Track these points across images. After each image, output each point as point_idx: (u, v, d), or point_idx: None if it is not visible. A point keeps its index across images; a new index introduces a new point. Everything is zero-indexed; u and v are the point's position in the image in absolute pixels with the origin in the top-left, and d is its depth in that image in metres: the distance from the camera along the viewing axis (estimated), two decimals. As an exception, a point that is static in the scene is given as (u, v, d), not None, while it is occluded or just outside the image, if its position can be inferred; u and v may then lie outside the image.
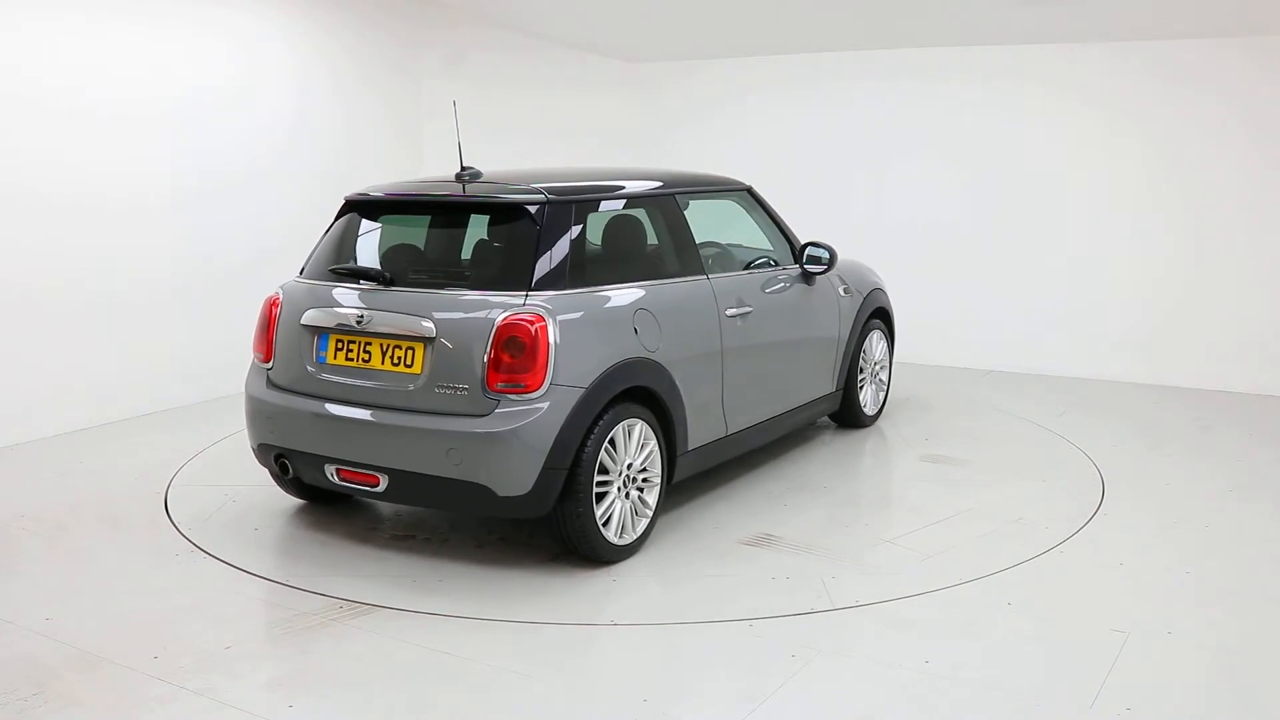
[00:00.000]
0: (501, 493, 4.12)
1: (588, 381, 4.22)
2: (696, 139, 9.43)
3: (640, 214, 5.06)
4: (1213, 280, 7.64)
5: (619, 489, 4.41)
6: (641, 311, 4.57)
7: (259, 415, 4.68)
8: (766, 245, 5.78)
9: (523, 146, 8.78)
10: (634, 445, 4.46)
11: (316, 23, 7.75)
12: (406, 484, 4.28)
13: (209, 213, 7.09)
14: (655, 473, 4.59)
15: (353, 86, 8.02)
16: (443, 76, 8.70)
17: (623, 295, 4.56)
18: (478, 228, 4.73)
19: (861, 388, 6.40)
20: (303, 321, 4.57)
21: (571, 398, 4.16)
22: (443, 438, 4.14)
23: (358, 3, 8.05)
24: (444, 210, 4.78)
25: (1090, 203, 7.99)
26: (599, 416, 4.27)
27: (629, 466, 4.44)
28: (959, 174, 8.42)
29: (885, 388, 6.75)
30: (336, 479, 4.44)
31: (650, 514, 4.59)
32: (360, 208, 4.87)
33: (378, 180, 5.59)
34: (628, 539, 4.47)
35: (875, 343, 6.51)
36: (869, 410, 6.52)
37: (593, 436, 4.23)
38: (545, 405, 4.11)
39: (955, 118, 8.38)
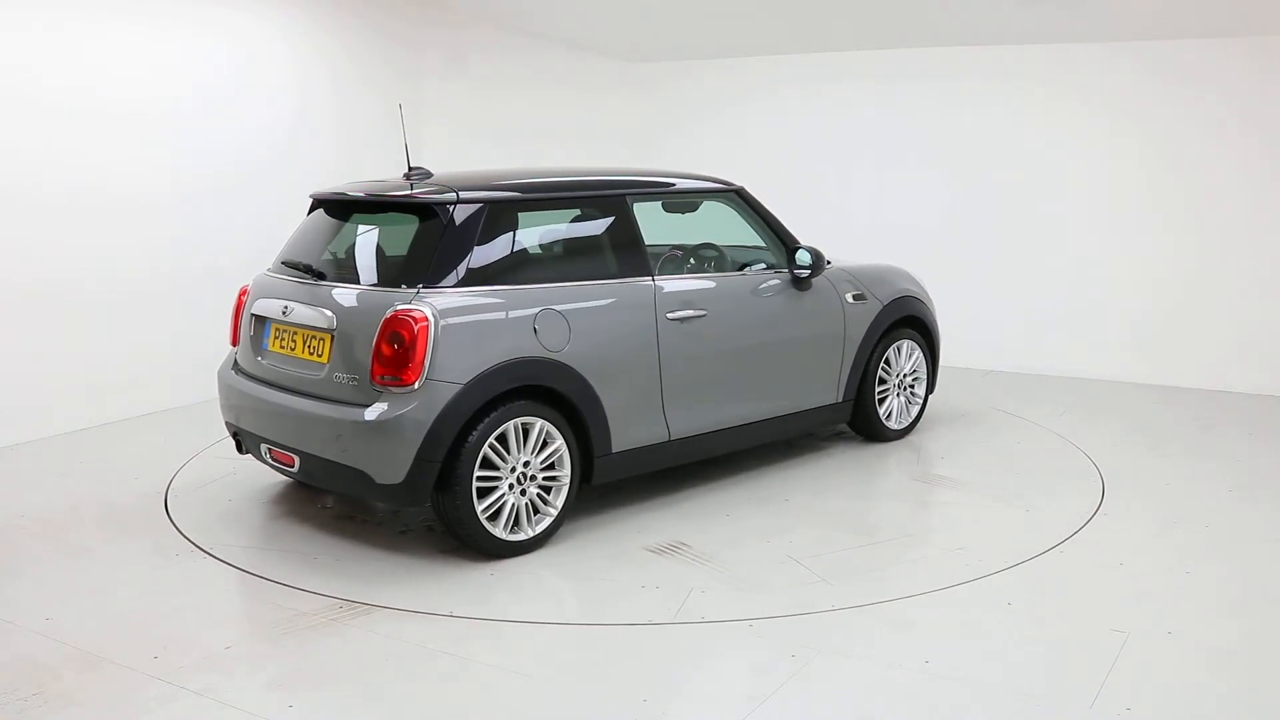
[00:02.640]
0: (379, 480, 4.32)
1: (466, 378, 4.30)
2: (696, 139, 9.43)
3: (571, 215, 5.08)
4: (1213, 280, 7.64)
5: (511, 485, 4.46)
6: (547, 311, 4.58)
7: (222, 395, 5.12)
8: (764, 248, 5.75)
9: (522, 147, 8.78)
10: (531, 444, 4.50)
11: (316, 23, 7.75)
12: (312, 466, 4.55)
13: (210, 212, 7.09)
14: (564, 473, 4.62)
15: (352, 87, 8.02)
16: (443, 77, 8.70)
17: (525, 296, 4.58)
18: (398, 226, 4.84)
19: (884, 400, 6.12)
20: (252, 311, 4.96)
21: (447, 393, 4.26)
22: (333, 425, 4.39)
23: (358, 3, 8.05)
24: (371, 209, 4.98)
25: (1090, 203, 7.99)
26: (482, 413, 4.35)
27: (525, 465, 4.49)
28: (959, 174, 8.42)
29: (920, 401, 6.37)
30: (270, 458, 4.77)
31: (555, 513, 4.62)
32: (321, 205, 5.14)
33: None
34: (521, 535, 4.52)
35: (905, 353, 6.19)
36: (895, 424, 6.19)
37: (475, 432, 4.32)
38: (419, 399, 4.24)
39: (955, 118, 8.37)
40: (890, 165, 8.69)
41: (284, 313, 4.72)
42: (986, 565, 4.41)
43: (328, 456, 4.43)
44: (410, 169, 4.95)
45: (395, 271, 4.57)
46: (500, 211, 4.69)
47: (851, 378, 5.92)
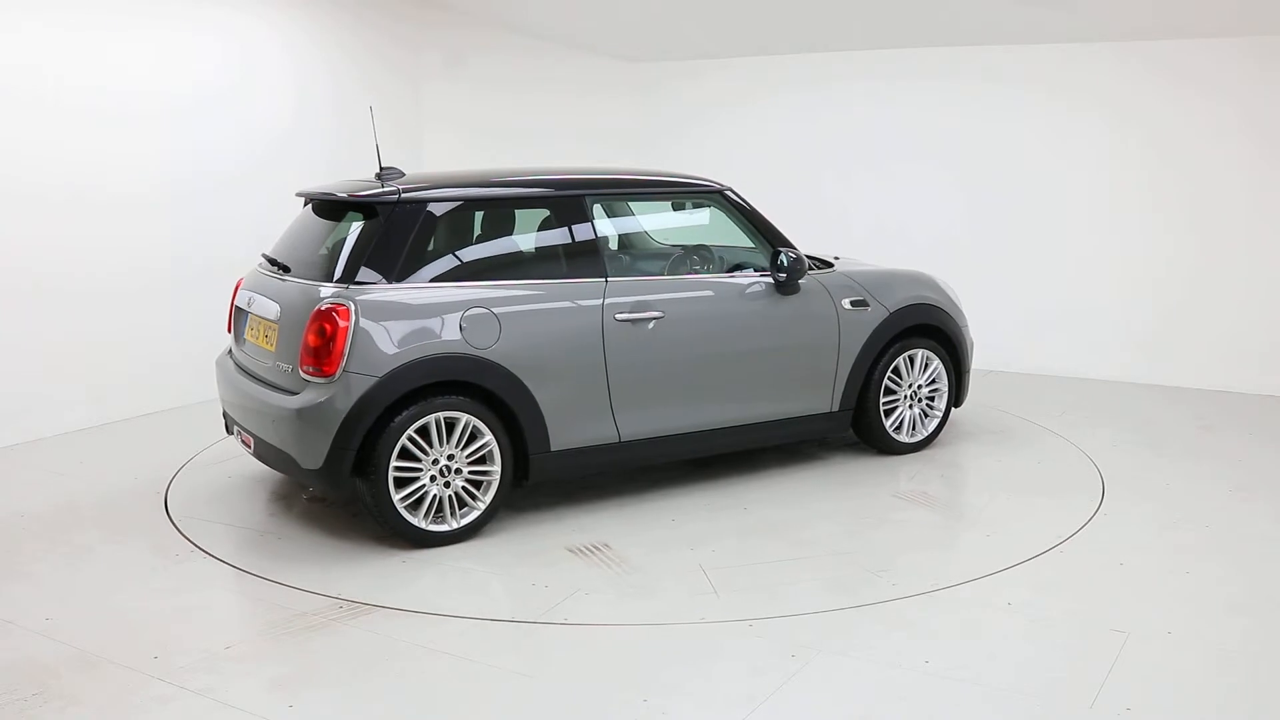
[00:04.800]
0: (303, 465, 4.54)
1: (382, 371, 4.45)
2: (696, 139, 9.42)
3: (522, 216, 5.15)
4: (1214, 280, 7.64)
5: (432, 477, 4.58)
6: (476, 310, 4.66)
7: (216, 380, 5.39)
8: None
9: (522, 147, 8.78)
10: (456, 438, 4.60)
11: (316, 23, 7.75)
12: (261, 448, 4.81)
13: (209, 211, 7.10)
14: (493, 468, 4.69)
15: (352, 87, 8.02)
16: (442, 78, 8.70)
17: (452, 293, 4.68)
18: (350, 223, 4.96)
19: (892, 412, 5.85)
20: (235, 302, 5.27)
21: (363, 385, 4.43)
22: (269, 411, 4.64)
23: (357, 4, 8.05)
24: (332, 207, 5.14)
25: (1091, 203, 7.99)
26: (403, 405, 4.50)
27: (450, 458, 4.60)
28: (959, 174, 8.42)
29: (940, 415, 6.02)
30: (240, 440, 5.06)
31: (483, 507, 4.70)
32: (306, 202, 5.37)
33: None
34: (445, 526, 4.64)
35: (918, 364, 5.88)
36: (906, 437, 5.89)
37: (392, 424, 4.47)
38: (336, 390, 4.43)
39: (955, 118, 8.37)
40: (890, 166, 8.68)
41: (248, 304, 5.02)
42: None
43: (269, 440, 4.68)
44: (381, 168, 5.06)
45: (335, 267, 4.71)
46: (443, 211, 4.84)
47: (849, 387, 5.66)
